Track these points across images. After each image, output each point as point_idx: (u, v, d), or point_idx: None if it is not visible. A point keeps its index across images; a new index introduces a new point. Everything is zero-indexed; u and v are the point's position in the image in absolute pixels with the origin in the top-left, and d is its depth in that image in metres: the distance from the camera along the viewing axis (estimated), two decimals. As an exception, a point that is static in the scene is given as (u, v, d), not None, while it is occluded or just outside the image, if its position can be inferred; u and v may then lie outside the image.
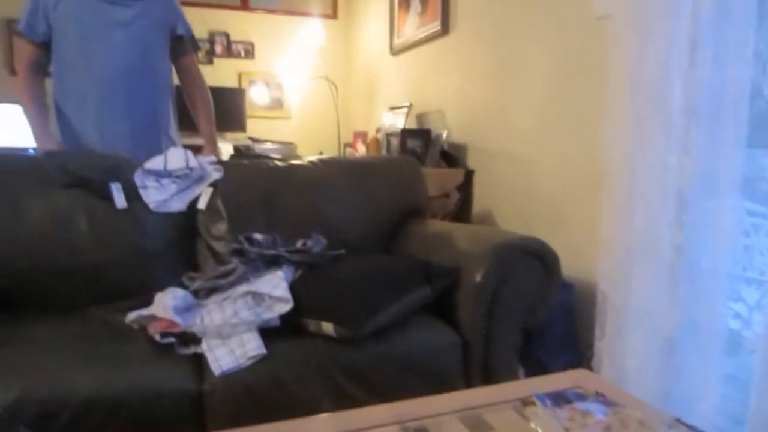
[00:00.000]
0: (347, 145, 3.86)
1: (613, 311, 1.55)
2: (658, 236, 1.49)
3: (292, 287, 1.32)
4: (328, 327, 1.24)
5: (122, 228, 1.61)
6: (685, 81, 1.44)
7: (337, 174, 1.88)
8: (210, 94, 2.23)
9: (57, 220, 1.56)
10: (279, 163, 1.91)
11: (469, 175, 2.58)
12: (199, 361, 1.23)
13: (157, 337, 1.24)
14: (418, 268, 1.43)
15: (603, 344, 1.61)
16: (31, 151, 3.34)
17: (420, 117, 3.07)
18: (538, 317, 1.52)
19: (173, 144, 2.11)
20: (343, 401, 1.22)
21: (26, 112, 1.98)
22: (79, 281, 1.55)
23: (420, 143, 2.66)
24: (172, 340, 1.23)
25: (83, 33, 1.91)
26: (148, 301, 1.42)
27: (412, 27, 3.22)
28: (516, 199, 2.30)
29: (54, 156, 1.69)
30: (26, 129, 3.43)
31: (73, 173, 1.64)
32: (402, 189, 1.94)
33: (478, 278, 1.41)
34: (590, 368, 1.66)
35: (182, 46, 2.11)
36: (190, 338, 1.25)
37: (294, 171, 1.87)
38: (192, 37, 2.15)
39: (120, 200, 1.63)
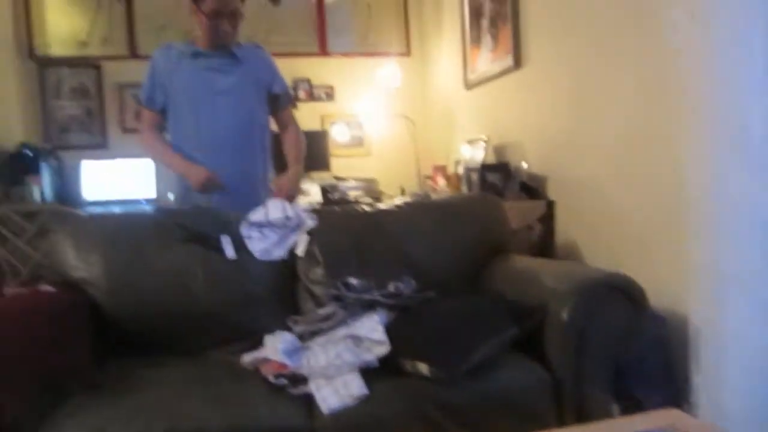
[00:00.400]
0: (427, 177, 3.97)
1: (707, 345, 1.54)
2: (750, 267, 1.48)
3: (388, 330, 1.43)
4: (423, 367, 1.33)
5: (232, 276, 1.79)
6: (762, 109, 1.44)
7: (422, 216, 1.98)
8: (303, 142, 2.36)
9: (178, 270, 1.77)
10: (367, 209, 2.05)
11: (550, 206, 2.60)
12: (309, 400, 1.35)
13: (271, 378, 1.38)
14: (505, 307, 1.50)
15: (700, 379, 1.60)
16: (143, 203, 3.70)
17: (498, 149, 3.14)
18: (628, 353, 1.54)
19: (269, 192, 2.30)
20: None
21: (164, 157, 2.22)
22: (197, 326, 1.74)
23: (499, 177, 2.72)
24: (284, 381, 1.37)
25: (193, 101, 2.16)
26: (257, 344, 1.58)
27: (484, 62, 3.31)
28: (600, 229, 2.31)
29: (172, 214, 1.92)
30: (141, 180, 3.80)
31: (189, 228, 1.85)
32: (484, 226, 2.01)
33: (565, 316, 1.46)
34: (689, 404, 1.65)
35: (278, 102, 2.32)
36: (299, 379, 1.39)
37: (382, 215, 1.99)
38: (287, 92, 2.36)
39: (230, 251, 1.82)
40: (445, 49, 4.04)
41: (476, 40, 3.43)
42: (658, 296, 1.90)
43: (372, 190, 4.05)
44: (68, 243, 1.80)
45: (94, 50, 3.95)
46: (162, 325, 1.72)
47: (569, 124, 2.49)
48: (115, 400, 1.35)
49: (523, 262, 1.88)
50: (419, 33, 4.53)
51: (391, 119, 4.34)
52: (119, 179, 3.80)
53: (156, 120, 2.24)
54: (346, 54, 4.47)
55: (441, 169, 3.69)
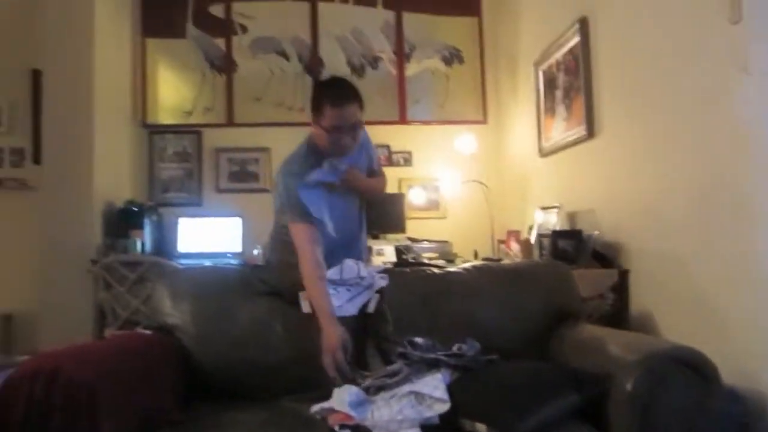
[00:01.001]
0: (501, 242, 4.01)
1: (785, 428, 1.47)
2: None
3: (450, 389, 1.49)
4: (481, 428, 1.37)
5: (306, 330, 1.91)
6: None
7: (490, 280, 2.04)
8: (381, 186, 2.42)
9: (258, 322, 1.92)
10: (436, 271, 2.14)
11: (623, 275, 2.58)
12: (371, 451, 1.42)
13: (336, 429, 1.47)
14: (567, 374, 1.51)
15: (779, 462, 1.52)
16: (229, 256, 3.98)
17: (571, 216, 3.15)
18: (697, 429, 1.49)
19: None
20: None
21: (317, 295, 1.91)
22: (273, 374, 1.87)
23: (571, 243, 2.73)
24: None
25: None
26: (326, 395, 1.67)
27: (558, 131, 3.38)
28: (676, 300, 2.26)
29: (255, 270, 2.09)
30: (229, 236, 4.08)
31: (269, 283, 2.01)
32: (552, 293, 2.03)
33: (629, 387, 1.45)
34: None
35: (373, 175, 2.35)
36: (362, 431, 1.46)
37: (450, 278, 2.07)
38: (379, 165, 2.41)
39: (305, 306, 1.95)
40: (520, 118, 4.15)
41: (550, 110, 3.53)
42: (737, 373, 1.84)
43: (445, 252, 4.12)
44: (164, 292, 2.01)
45: (197, 119, 4.40)
46: (241, 372, 1.86)
47: (644, 193, 2.49)
48: (196, 438, 1.48)
49: (591, 330, 1.88)
50: (495, 102, 4.68)
51: (467, 184, 4.45)
52: (210, 234, 4.12)
53: (315, 234, 2.01)
54: (424, 122, 4.67)
55: (515, 234, 3.73)
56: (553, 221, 3.15)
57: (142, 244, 3.70)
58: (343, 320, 1.97)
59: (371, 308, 2.00)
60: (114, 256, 3.33)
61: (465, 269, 2.13)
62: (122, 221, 3.75)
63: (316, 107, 2.06)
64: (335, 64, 4.51)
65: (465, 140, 4.43)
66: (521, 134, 4.14)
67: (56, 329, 3.48)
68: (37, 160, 3.88)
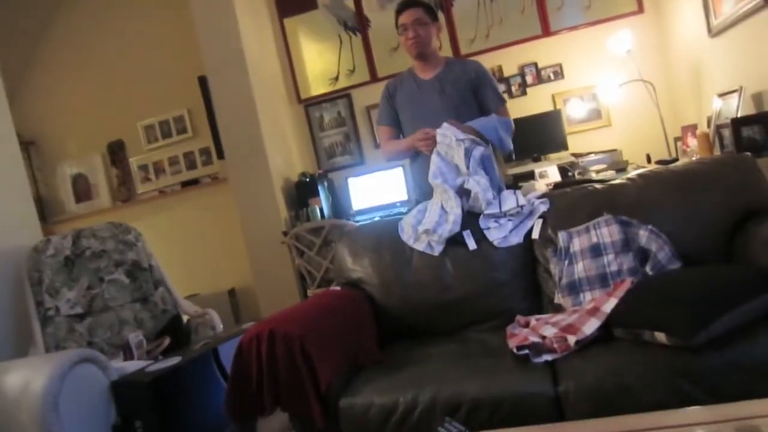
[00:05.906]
0: (677, 140, 3.68)
1: None
2: None
3: (628, 299, 1.48)
4: (660, 337, 1.36)
5: (476, 265, 2.02)
6: None
7: (659, 188, 1.92)
8: (501, 125, 2.45)
9: (431, 265, 2.06)
10: (598, 186, 2.07)
11: (828, 152, 2.24)
12: (553, 368, 1.49)
13: (515, 350, 1.56)
14: (756, 274, 1.41)
15: None
16: (398, 205, 4.20)
17: (756, 98, 2.78)
18: None
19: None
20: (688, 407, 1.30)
21: (396, 146, 2.71)
22: (451, 310, 2.01)
23: (757, 130, 2.43)
24: (526, 352, 1.53)
25: (412, 114, 2.61)
26: (503, 323, 1.77)
27: (729, 4, 2.95)
28: None
29: (420, 216, 2.23)
30: (394, 187, 4.30)
31: (434, 228, 2.13)
32: (734, 191, 1.84)
33: (833, 277, 1.32)
34: None
35: (487, 105, 2.59)
36: (539, 348, 1.53)
37: (614, 192, 1.99)
38: (493, 96, 2.60)
39: (471, 243, 2.05)
40: (682, -2, 3.68)
41: (717, -19, 3.08)
42: None
43: (615, 162, 3.89)
44: (344, 251, 2.24)
45: (343, 83, 4.61)
46: (423, 312, 2.03)
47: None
48: (395, 373, 1.67)
49: (785, 222, 1.70)
50: (650, -14, 4.19)
51: (628, 85, 4.10)
52: (378, 188, 4.37)
53: (392, 134, 2.77)
54: (571, 28, 4.36)
55: (691, 129, 3.40)
56: (734, 107, 2.80)
57: (321, 210, 4.07)
58: (511, 250, 2.04)
59: (536, 234, 2.03)
60: (299, 225, 3.72)
61: (630, 180, 2.03)
62: (300, 193, 4.15)
63: (396, 25, 2.62)
64: (464, -5, 4.38)
65: (619, 37, 4.04)
66: (685, 16, 3.68)
67: (270, 296, 4.05)
68: (220, 155, 4.44)
